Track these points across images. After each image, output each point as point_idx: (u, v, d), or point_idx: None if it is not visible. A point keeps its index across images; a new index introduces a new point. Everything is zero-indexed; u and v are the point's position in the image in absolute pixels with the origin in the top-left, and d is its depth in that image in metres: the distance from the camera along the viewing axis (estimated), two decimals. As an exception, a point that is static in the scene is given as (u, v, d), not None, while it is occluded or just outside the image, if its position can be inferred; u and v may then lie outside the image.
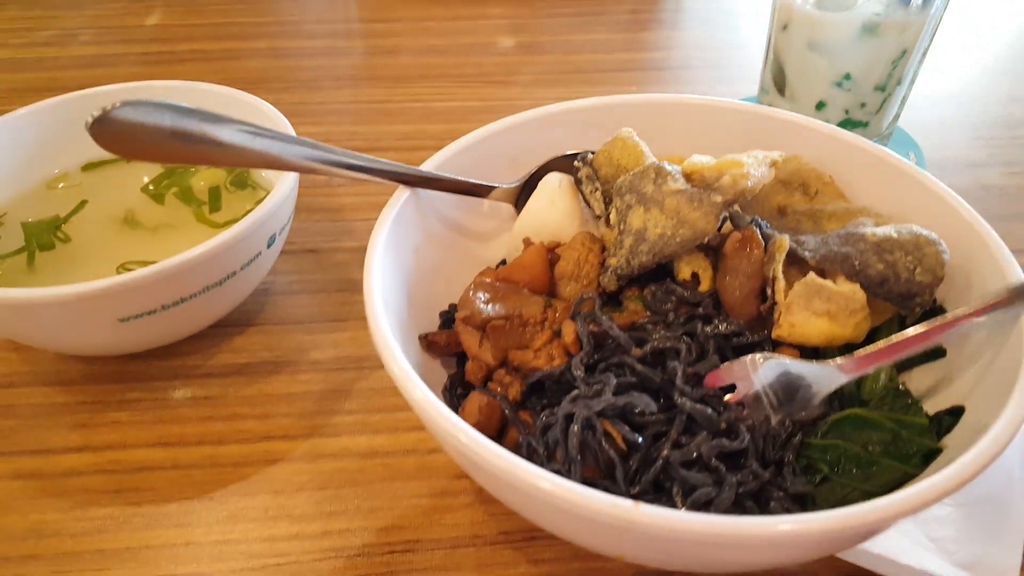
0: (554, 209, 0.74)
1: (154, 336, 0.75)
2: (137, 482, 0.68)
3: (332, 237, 0.95)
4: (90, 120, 0.53)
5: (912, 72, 0.95)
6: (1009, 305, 0.56)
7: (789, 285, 0.63)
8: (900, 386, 0.62)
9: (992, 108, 1.21)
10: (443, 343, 0.67)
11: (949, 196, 0.66)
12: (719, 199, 0.63)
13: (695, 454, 0.55)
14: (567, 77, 1.29)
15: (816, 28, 0.92)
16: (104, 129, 0.54)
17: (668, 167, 0.66)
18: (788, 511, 0.54)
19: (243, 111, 0.84)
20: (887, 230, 0.63)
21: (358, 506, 0.66)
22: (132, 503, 0.66)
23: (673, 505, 0.54)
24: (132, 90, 0.88)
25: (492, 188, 0.74)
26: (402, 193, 0.68)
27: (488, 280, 0.68)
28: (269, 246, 0.76)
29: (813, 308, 0.61)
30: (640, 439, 0.56)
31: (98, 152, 0.87)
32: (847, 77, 0.93)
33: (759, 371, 0.59)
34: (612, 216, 0.69)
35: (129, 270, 0.66)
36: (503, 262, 0.75)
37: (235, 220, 0.70)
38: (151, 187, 0.88)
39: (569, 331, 0.63)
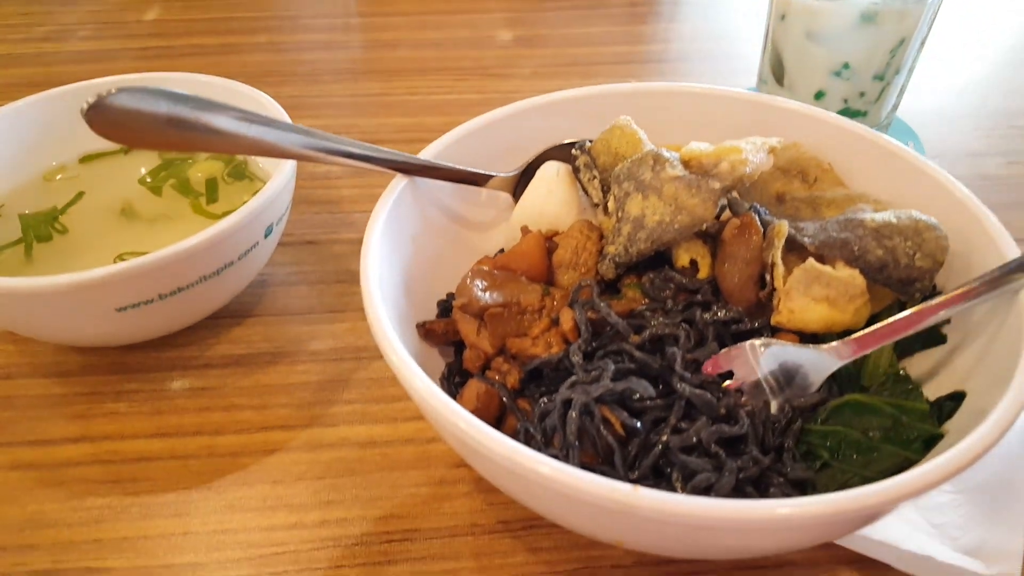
0: (552, 198, 0.74)
1: (152, 327, 0.74)
2: (135, 472, 0.68)
3: (330, 229, 0.95)
4: (85, 106, 0.52)
5: (911, 61, 0.95)
6: (1005, 283, 0.56)
7: (788, 271, 0.62)
8: (900, 371, 0.61)
9: (991, 98, 1.20)
10: (441, 331, 0.66)
11: (949, 182, 0.66)
12: (717, 185, 0.63)
13: (695, 439, 0.55)
14: (565, 70, 1.29)
15: (814, 17, 0.92)
16: (100, 115, 0.53)
17: (666, 154, 0.65)
18: (788, 496, 0.54)
19: (241, 103, 0.84)
20: (886, 216, 0.62)
21: (356, 495, 0.66)
22: (130, 493, 0.66)
23: (673, 490, 0.53)
24: (132, 82, 0.87)
25: (490, 177, 0.74)
26: (399, 181, 0.68)
27: (486, 268, 0.68)
28: (266, 236, 0.75)
29: (812, 294, 0.61)
30: (639, 424, 0.55)
31: (96, 144, 0.88)
32: (846, 66, 0.93)
33: (758, 357, 0.59)
34: (610, 204, 0.69)
35: (128, 260, 0.66)
36: (501, 251, 0.75)
37: (232, 211, 0.70)
38: (148, 179, 0.88)
39: (567, 318, 0.62)
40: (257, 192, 0.73)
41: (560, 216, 0.74)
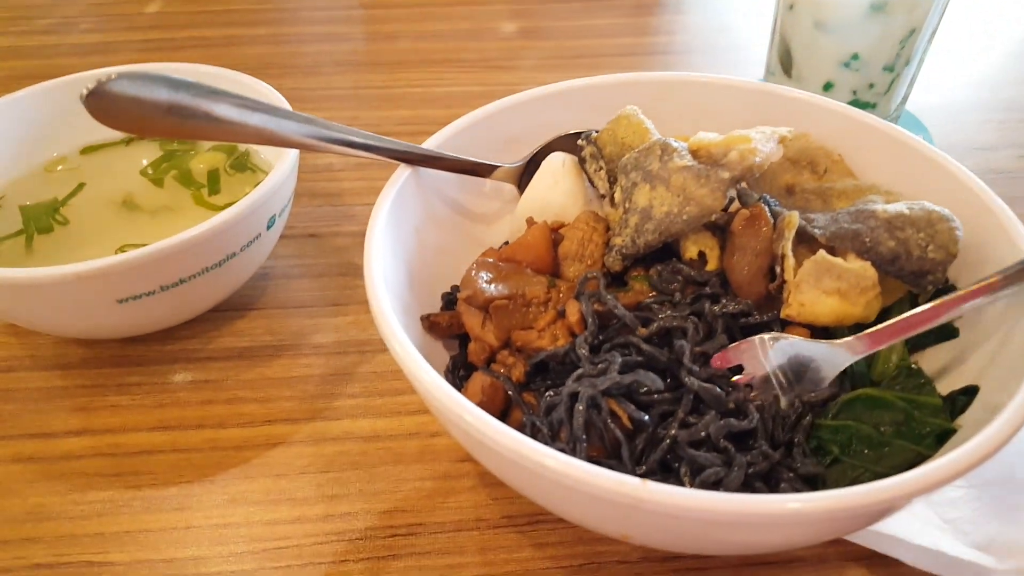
0: (557, 189, 0.73)
1: (154, 319, 0.74)
2: (137, 465, 0.67)
3: (333, 221, 0.94)
4: (85, 92, 0.52)
5: (921, 52, 0.94)
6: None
7: (799, 263, 0.62)
8: (913, 366, 0.60)
9: (1002, 90, 1.19)
10: (445, 324, 0.66)
11: (961, 173, 0.65)
12: (727, 175, 0.62)
13: (703, 434, 0.54)
14: (569, 62, 1.28)
15: (823, 7, 0.90)
16: (99, 102, 0.53)
17: (674, 143, 0.64)
18: (798, 492, 0.53)
19: (243, 93, 0.83)
20: (899, 207, 0.62)
21: (360, 489, 0.65)
22: (132, 486, 0.66)
23: (681, 485, 0.53)
24: (132, 69, 0.87)
25: (495, 168, 0.73)
26: (403, 172, 0.67)
27: (491, 260, 0.67)
28: (269, 228, 0.75)
29: (823, 286, 0.60)
30: (647, 418, 0.54)
31: (97, 135, 0.88)
32: (855, 57, 0.92)
33: (768, 352, 0.58)
34: (617, 195, 0.68)
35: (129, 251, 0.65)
36: (506, 243, 0.74)
37: (235, 203, 0.69)
38: (150, 170, 0.87)
39: (573, 311, 0.62)
40: (259, 183, 0.72)
41: (566, 207, 0.73)
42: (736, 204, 0.69)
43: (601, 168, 0.72)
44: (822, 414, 0.58)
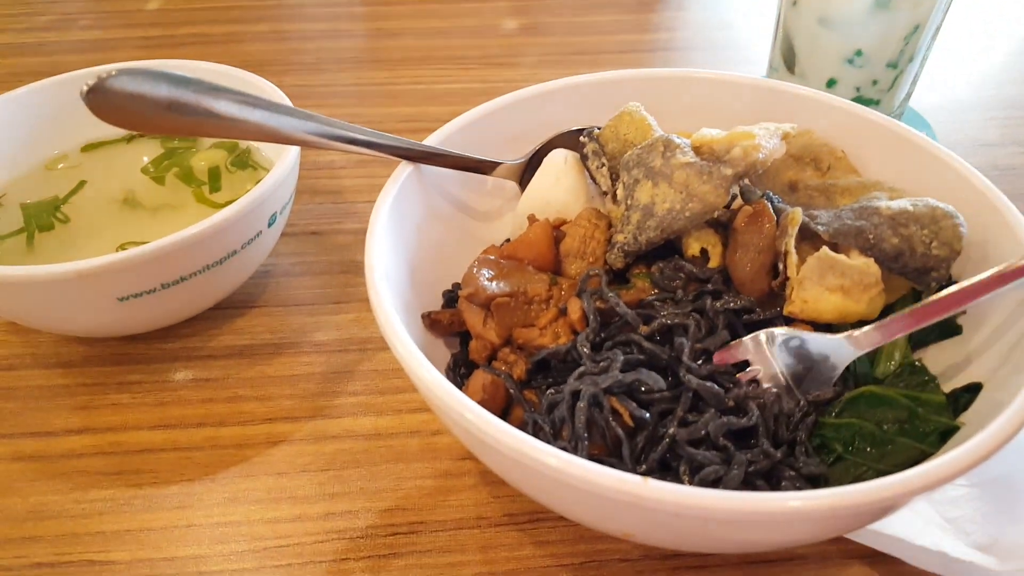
0: (559, 186, 0.73)
1: (155, 317, 0.74)
2: (138, 464, 0.67)
3: (334, 219, 0.94)
4: (85, 88, 0.51)
5: (924, 49, 0.93)
6: None
7: (801, 260, 0.61)
8: (916, 363, 0.60)
9: (1005, 87, 1.19)
10: (446, 322, 0.65)
11: (965, 169, 0.64)
12: (729, 172, 0.62)
13: (703, 432, 0.54)
14: (571, 59, 1.28)
15: (827, 3, 0.90)
16: (100, 98, 0.52)
17: (677, 140, 0.64)
18: (800, 490, 0.53)
19: (244, 90, 0.83)
20: (902, 203, 0.61)
21: (361, 487, 0.65)
22: (133, 485, 0.65)
23: (681, 483, 0.52)
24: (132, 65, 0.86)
25: (496, 165, 0.73)
26: (404, 169, 0.67)
27: (492, 258, 0.67)
28: (270, 225, 0.75)
29: (826, 283, 0.60)
30: (648, 415, 0.54)
31: (98, 132, 0.88)
32: (858, 53, 0.92)
33: (774, 346, 0.58)
34: (619, 192, 0.68)
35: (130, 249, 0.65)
36: (508, 240, 0.74)
37: (235, 200, 0.69)
38: (151, 168, 0.87)
39: (575, 308, 0.61)
40: (260, 181, 0.72)
41: (568, 204, 0.73)
42: (739, 201, 0.68)
43: (603, 165, 0.72)
44: (826, 412, 0.58)
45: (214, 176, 0.85)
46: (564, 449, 0.52)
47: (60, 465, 0.67)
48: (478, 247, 0.71)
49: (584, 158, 0.74)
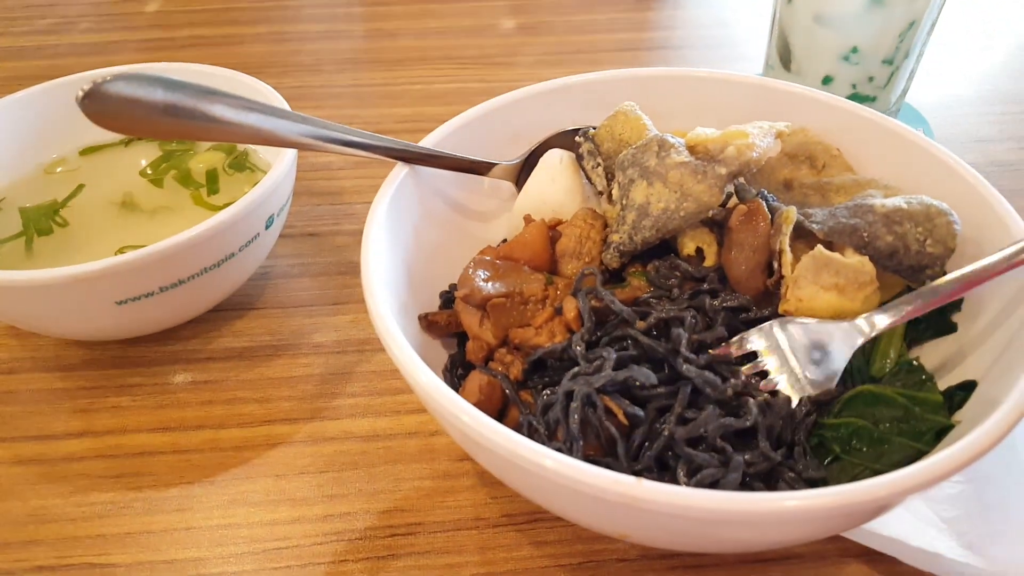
0: (555, 186, 0.73)
1: (153, 320, 0.74)
2: (138, 467, 0.67)
3: (332, 220, 0.94)
4: (81, 94, 0.52)
5: (920, 45, 0.93)
6: None
7: (796, 258, 0.61)
8: (914, 362, 0.60)
9: (1002, 82, 1.19)
10: (443, 323, 0.66)
11: (959, 167, 0.64)
12: (724, 171, 0.62)
13: (702, 430, 0.53)
14: (569, 58, 1.28)
15: (822, 0, 0.90)
16: (96, 103, 0.52)
17: (671, 139, 0.64)
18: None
19: (241, 93, 0.83)
20: (897, 201, 0.61)
21: (360, 489, 0.65)
22: (133, 488, 0.66)
23: (678, 484, 0.52)
24: (128, 70, 0.87)
25: (492, 165, 0.73)
26: (400, 170, 0.67)
27: (488, 258, 0.67)
28: (268, 227, 0.75)
29: (821, 281, 0.60)
30: (642, 413, 0.54)
31: (96, 136, 0.88)
32: (854, 50, 0.92)
33: (784, 334, 0.58)
34: (614, 191, 0.68)
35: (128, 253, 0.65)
36: (504, 241, 0.74)
37: (233, 202, 0.69)
38: (149, 171, 0.87)
39: (570, 307, 0.61)
40: (258, 183, 0.72)
41: (564, 204, 0.73)
42: (734, 199, 0.68)
43: (599, 165, 0.72)
44: (826, 412, 0.58)
45: (212, 178, 0.85)
46: (559, 450, 0.52)
47: (60, 468, 0.67)
48: (475, 247, 0.71)
49: (579, 158, 0.74)
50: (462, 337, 0.67)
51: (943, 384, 0.58)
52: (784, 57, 0.99)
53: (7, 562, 0.61)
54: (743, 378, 0.57)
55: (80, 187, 0.84)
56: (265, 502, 0.65)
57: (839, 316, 0.60)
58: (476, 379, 0.60)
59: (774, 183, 0.73)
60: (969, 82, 1.19)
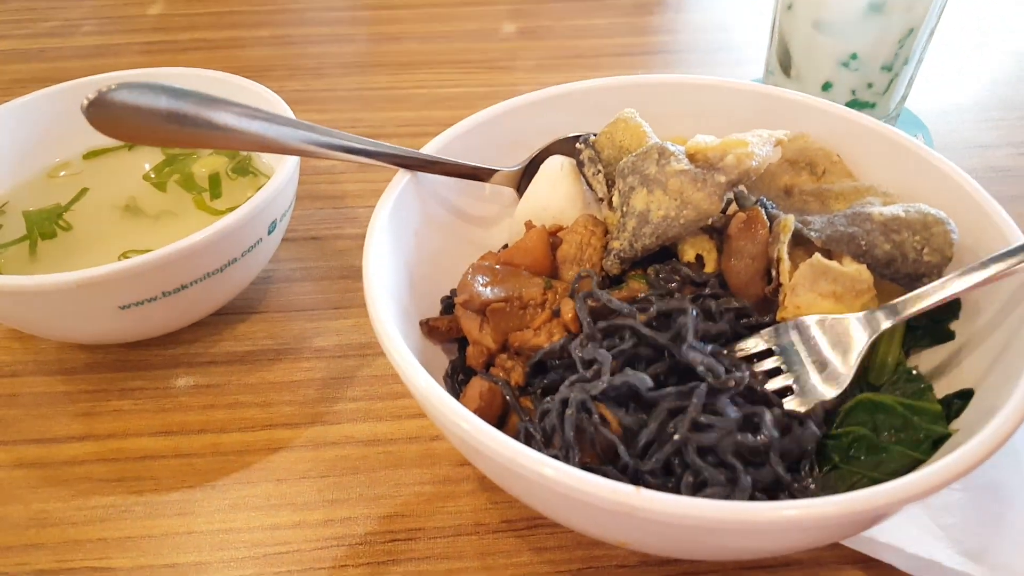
0: (556, 192, 0.73)
1: (156, 324, 0.74)
2: (139, 471, 0.68)
3: (334, 224, 0.95)
4: (86, 103, 0.52)
5: (919, 51, 0.94)
6: None
7: (795, 266, 0.62)
8: (913, 371, 0.61)
9: (1001, 88, 1.19)
10: (444, 328, 0.66)
11: (957, 175, 0.65)
12: (723, 179, 0.62)
13: (712, 440, 0.52)
14: (571, 62, 1.28)
15: (822, 7, 0.90)
16: (100, 112, 0.53)
17: (671, 147, 0.65)
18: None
19: (245, 98, 0.84)
20: (894, 209, 0.62)
21: (360, 494, 0.66)
22: (134, 492, 0.66)
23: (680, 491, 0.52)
24: (132, 77, 0.87)
25: (494, 172, 0.74)
26: (402, 177, 0.67)
27: (487, 263, 0.67)
28: (270, 232, 0.75)
29: (819, 289, 0.60)
30: (636, 425, 0.54)
31: (99, 140, 0.88)
32: (853, 57, 0.92)
33: (798, 331, 0.58)
34: (615, 198, 0.68)
35: (131, 258, 0.66)
36: (505, 246, 0.75)
37: (236, 207, 0.70)
38: (152, 174, 0.88)
39: (568, 308, 0.62)
40: (261, 188, 0.72)
41: (564, 211, 0.73)
42: (734, 206, 0.69)
43: (599, 172, 0.73)
44: (830, 423, 0.58)
45: (215, 183, 0.86)
46: (555, 457, 0.52)
47: (62, 472, 0.68)
48: (476, 253, 0.72)
49: (580, 165, 0.74)
50: (463, 342, 0.67)
51: (941, 392, 0.59)
52: (784, 63, 0.99)
53: (9, 566, 0.61)
54: (749, 371, 0.56)
55: (84, 191, 0.85)
56: (266, 506, 0.65)
57: (837, 324, 0.60)
58: (477, 385, 0.60)
59: (775, 189, 0.73)
60: (968, 88, 1.19)
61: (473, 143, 0.73)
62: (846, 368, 0.57)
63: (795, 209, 0.70)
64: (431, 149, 0.70)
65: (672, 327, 0.58)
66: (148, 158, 0.90)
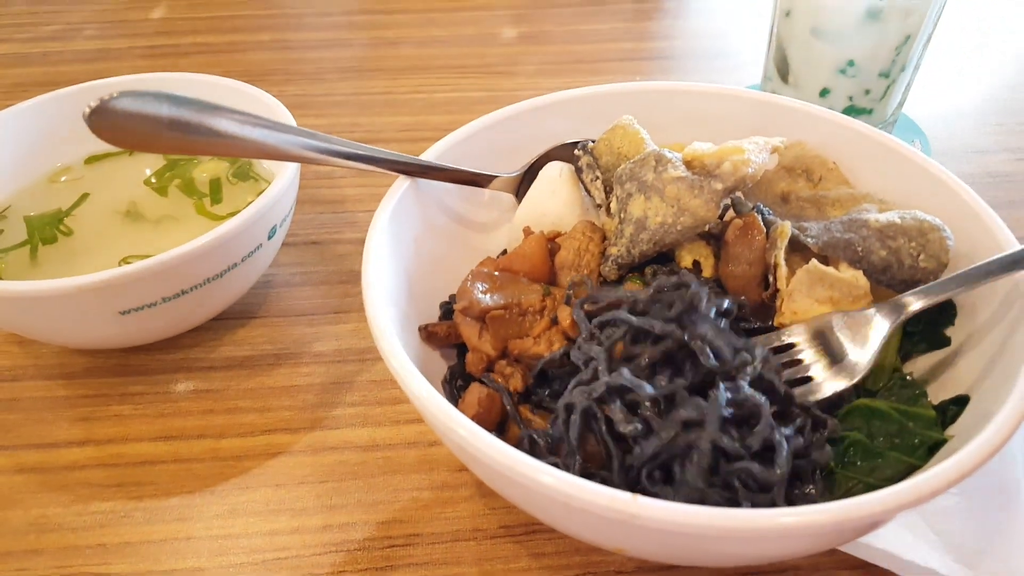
0: (555, 198, 0.73)
1: (156, 329, 0.74)
2: (139, 476, 0.68)
3: (334, 229, 0.95)
4: (87, 110, 0.52)
5: (916, 58, 0.94)
6: None
7: (792, 272, 0.62)
8: (908, 376, 0.61)
9: (998, 93, 1.19)
10: (443, 334, 0.66)
11: (953, 182, 0.65)
12: (720, 186, 0.63)
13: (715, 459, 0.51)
14: (570, 67, 1.29)
15: (819, 14, 0.91)
16: (102, 120, 0.53)
17: (668, 154, 0.65)
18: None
19: (245, 103, 0.84)
20: (891, 216, 0.62)
21: (359, 499, 0.66)
22: (133, 497, 0.66)
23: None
24: (133, 83, 0.88)
25: (493, 177, 0.74)
26: (402, 183, 0.68)
27: (486, 270, 0.68)
28: (270, 238, 0.75)
29: (815, 295, 0.60)
30: (640, 427, 0.54)
31: (100, 145, 0.88)
32: (851, 63, 0.92)
33: (816, 325, 0.59)
34: (612, 205, 0.69)
35: (131, 264, 0.66)
36: (504, 252, 0.75)
37: (236, 212, 0.70)
38: (153, 179, 0.88)
39: (565, 315, 0.62)
40: (261, 193, 0.73)
41: (563, 217, 0.73)
42: (731, 213, 0.69)
43: (597, 178, 0.73)
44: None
45: (215, 188, 0.86)
46: (557, 463, 0.53)
47: (62, 477, 0.68)
48: (475, 258, 0.72)
49: (579, 171, 0.75)
50: (462, 348, 0.67)
51: (936, 397, 0.59)
52: (782, 69, 0.99)
53: (9, 572, 0.61)
54: (766, 352, 0.55)
55: (85, 196, 0.85)
56: (265, 512, 0.65)
57: (834, 330, 0.61)
58: (476, 392, 0.61)
59: (771, 196, 0.73)
60: (966, 94, 1.20)
61: (472, 149, 0.74)
62: (864, 357, 0.57)
63: (792, 216, 0.70)
64: (430, 155, 0.71)
65: (676, 306, 0.56)
66: (149, 163, 0.90)
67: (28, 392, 0.75)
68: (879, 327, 0.58)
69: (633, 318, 0.56)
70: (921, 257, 0.60)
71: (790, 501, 0.53)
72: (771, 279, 0.63)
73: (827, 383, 0.58)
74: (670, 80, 1.16)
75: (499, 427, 0.62)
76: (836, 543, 0.55)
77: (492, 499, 0.65)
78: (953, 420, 0.56)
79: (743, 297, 0.63)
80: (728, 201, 0.68)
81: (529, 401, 0.63)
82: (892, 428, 0.57)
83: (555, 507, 0.48)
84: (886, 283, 0.62)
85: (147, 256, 0.66)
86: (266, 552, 0.62)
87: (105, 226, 0.82)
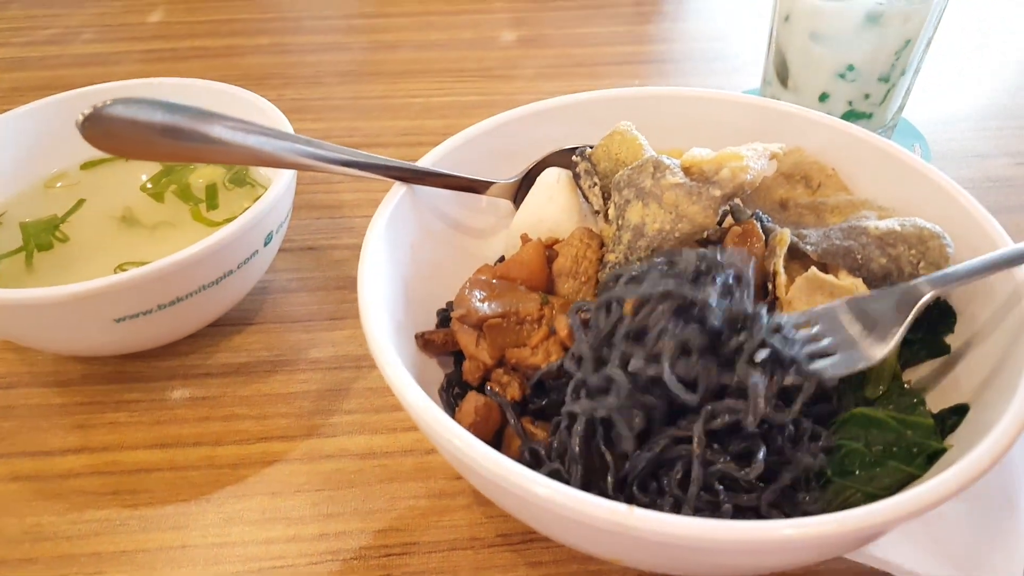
0: (552, 205, 0.73)
1: (151, 336, 0.74)
2: (134, 484, 0.68)
3: (331, 234, 0.95)
4: (81, 118, 0.52)
5: (916, 62, 0.94)
6: None
7: (790, 280, 0.62)
8: (905, 385, 0.60)
9: (998, 97, 1.19)
10: (440, 342, 0.66)
11: (953, 189, 0.65)
12: (718, 193, 0.62)
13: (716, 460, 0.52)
14: (570, 71, 1.28)
15: (818, 18, 0.91)
16: (95, 127, 0.53)
17: (666, 161, 0.65)
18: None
19: (241, 108, 0.84)
20: (890, 223, 0.62)
21: (355, 508, 0.65)
22: (129, 505, 0.66)
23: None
24: (130, 88, 0.87)
25: (490, 184, 0.74)
26: (398, 189, 0.67)
27: (484, 278, 0.67)
28: (266, 244, 0.75)
29: (815, 303, 0.60)
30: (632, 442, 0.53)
31: (97, 151, 0.88)
32: (850, 68, 0.92)
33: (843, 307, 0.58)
34: (610, 211, 0.68)
35: (126, 271, 0.66)
36: (502, 259, 0.75)
37: (232, 218, 0.70)
38: (150, 185, 0.88)
39: (562, 325, 0.62)
40: (258, 198, 0.72)
41: (561, 223, 0.73)
42: (729, 220, 0.69)
43: (595, 184, 0.73)
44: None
45: (212, 194, 0.86)
46: (557, 472, 0.52)
47: (57, 485, 0.68)
48: (472, 265, 0.72)
49: (577, 177, 0.74)
50: (459, 356, 0.67)
51: (935, 406, 0.59)
52: (781, 74, 0.99)
53: (3, 581, 0.61)
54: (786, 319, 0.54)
55: (80, 202, 0.85)
56: (261, 520, 0.65)
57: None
58: (473, 400, 0.60)
59: (770, 202, 0.73)
60: (966, 98, 1.19)
61: (469, 155, 0.73)
62: (890, 334, 0.56)
63: (791, 223, 0.70)
64: (428, 161, 0.70)
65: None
66: (145, 169, 0.90)
67: (23, 399, 0.75)
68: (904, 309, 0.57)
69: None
70: (921, 265, 0.60)
71: (778, 507, 0.53)
72: (770, 287, 0.63)
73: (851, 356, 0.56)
74: (669, 83, 1.16)
75: (496, 436, 0.61)
76: (836, 554, 0.55)
77: (489, 507, 0.65)
78: (952, 429, 0.56)
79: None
80: (727, 208, 0.67)
81: (526, 411, 0.62)
82: (890, 437, 0.56)
83: (551, 518, 0.48)
84: (885, 291, 0.61)
85: (143, 263, 0.65)
86: (262, 561, 0.62)
87: (101, 232, 0.82)
